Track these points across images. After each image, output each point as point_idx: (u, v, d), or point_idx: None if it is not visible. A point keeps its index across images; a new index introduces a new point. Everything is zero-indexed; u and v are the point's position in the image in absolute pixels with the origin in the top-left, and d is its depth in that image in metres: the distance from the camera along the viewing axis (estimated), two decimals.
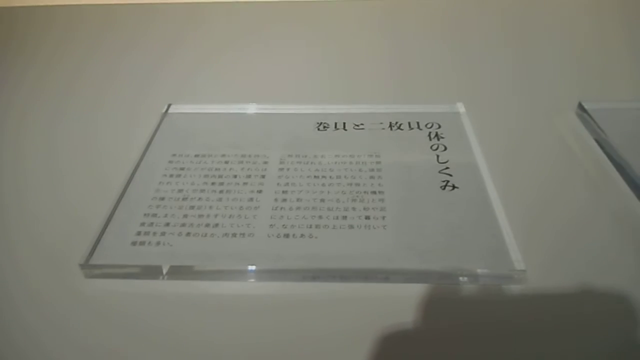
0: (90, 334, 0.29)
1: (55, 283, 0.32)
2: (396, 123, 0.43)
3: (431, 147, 0.40)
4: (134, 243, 0.33)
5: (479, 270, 0.30)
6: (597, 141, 0.41)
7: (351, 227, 0.33)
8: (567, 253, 0.32)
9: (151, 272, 0.31)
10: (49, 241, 0.34)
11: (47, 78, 0.54)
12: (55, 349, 0.28)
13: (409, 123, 0.43)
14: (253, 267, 0.31)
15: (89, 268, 0.31)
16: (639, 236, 0.33)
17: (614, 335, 0.28)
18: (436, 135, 0.41)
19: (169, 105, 0.46)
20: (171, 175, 0.38)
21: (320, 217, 0.34)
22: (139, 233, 0.33)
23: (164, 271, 0.31)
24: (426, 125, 0.42)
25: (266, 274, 0.31)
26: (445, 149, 0.40)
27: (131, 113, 0.47)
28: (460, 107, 0.44)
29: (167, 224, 0.34)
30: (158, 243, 0.33)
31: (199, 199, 0.36)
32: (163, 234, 0.33)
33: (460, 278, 0.31)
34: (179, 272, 0.31)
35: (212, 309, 0.30)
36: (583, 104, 0.44)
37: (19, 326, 0.29)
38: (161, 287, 0.31)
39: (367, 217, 0.34)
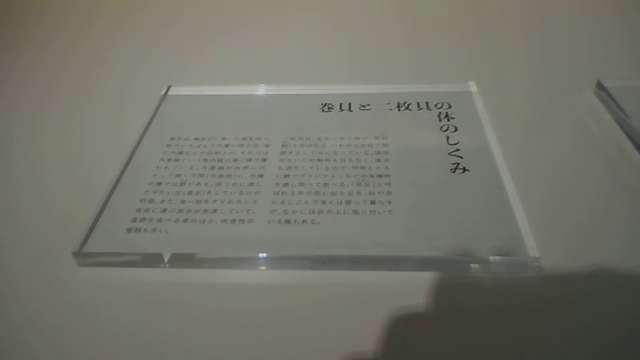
0: (83, 326, 0.27)
1: (48, 273, 0.30)
2: (404, 103, 0.41)
3: (441, 128, 0.38)
4: (129, 230, 0.32)
5: (490, 258, 0.29)
6: (616, 121, 0.39)
7: (356, 212, 0.32)
8: (584, 238, 0.30)
9: (151, 260, 0.30)
10: (41, 228, 0.33)
11: (42, 58, 0.52)
12: (46, 344, 0.27)
13: (418, 103, 0.41)
14: (256, 255, 0.30)
15: (83, 256, 0.30)
16: None
17: (634, 322, 0.26)
18: (446, 115, 0.39)
19: (168, 88, 0.45)
20: (169, 160, 0.37)
21: (323, 202, 0.32)
22: (134, 220, 0.32)
23: (165, 259, 0.30)
24: (436, 106, 0.40)
25: (270, 262, 0.30)
26: (456, 130, 0.38)
27: (129, 96, 0.46)
28: (472, 86, 0.42)
29: (164, 210, 0.33)
30: (154, 230, 0.31)
31: (198, 184, 0.34)
32: (159, 220, 0.32)
33: (472, 265, 0.29)
34: (179, 260, 0.30)
35: (215, 297, 0.29)
36: (602, 82, 0.42)
37: (9, 318, 0.28)
38: (162, 276, 0.30)
39: (373, 202, 0.32)
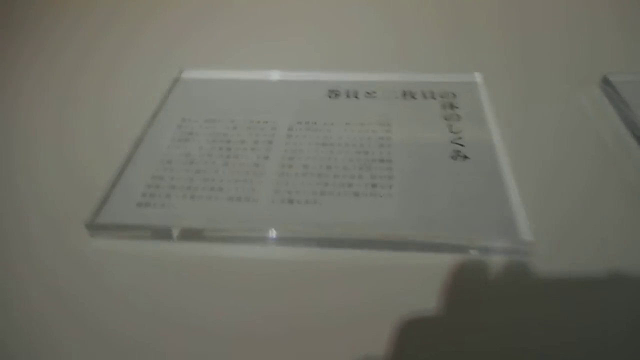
0: (93, 295, 0.29)
1: (60, 242, 0.32)
2: (410, 92, 0.42)
3: (444, 117, 0.39)
4: (139, 204, 0.33)
5: (486, 242, 0.30)
6: (620, 116, 0.40)
7: (357, 194, 0.33)
8: (579, 226, 0.31)
9: (160, 233, 0.31)
10: (55, 200, 0.35)
11: (66, 42, 0.54)
12: (58, 311, 0.28)
13: (423, 92, 0.41)
14: (260, 232, 0.31)
15: (95, 228, 0.32)
16: None
17: (627, 310, 0.27)
18: (450, 105, 0.40)
19: (181, 71, 0.46)
20: (179, 140, 0.38)
21: (326, 184, 0.33)
22: (144, 195, 0.34)
23: (174, 234, 0.31)
24: (440, 95, 0.41)
25: (275, 240, 0.31)
26: (459, 118, 0.38)
27: (144, 78, 0.47)
28: (478, 77, 0.43)
29: (173, 187, 0.34)
30: (163, 205, 0.33)
31: (205, 162, 0.36)
32: (168, 196, 0.33)
33: (471, 251, 0.30)
34: (189, 235, 0.31)
35: (219, 268, 0.30)
36: (608, 76, 0.42)
37: (22, 286, 0.30)
38: (170, 249, 0.31)
39: (374, 185, 0.33)
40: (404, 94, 0.42)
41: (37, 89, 0.47)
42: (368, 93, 0.42)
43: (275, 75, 0.45)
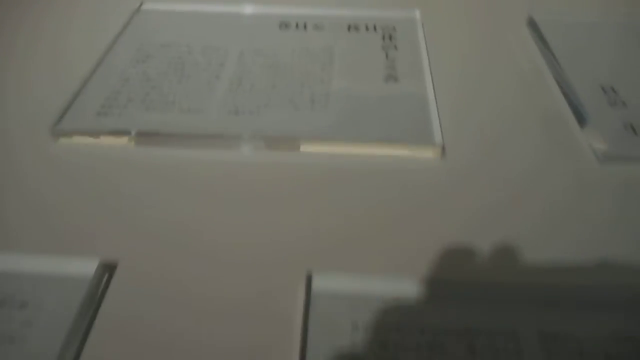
0: (57, 193, 0.32)
1: (26, 146, 0.35)
2: (354, 25, 0.45)
3: (382, 47, 0.43)
4: (98, 114, 0.36)
5: (406, 148, 0.34)
6: (541, 52, 0.44)
7: (297, 108, 0.37)
8: (491, 142, 0.36)
9: (117, 136, 0.35)
10: (22, 111, 0.38)
11: None
12: (21, 208, 0.32)
13: (366, 25, 0.45)
14: (206, 136, 0.35)
15: (57, 133, 0.35)
16: (561, 134, 0.36)
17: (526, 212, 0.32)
18: (390, 36, 0.44)
19: (141, 3, 0.48)
20: (137, 61, 0.41)
21: (269, 98, 0.37)
22: (103, 106, 0.37)
23: (129, 137, 0.35)
24: (382, 28, 0.45)
25: (218, 141, 0.35)
26: (396, 49, 0.42)
27: (106, 9, 0.49)
28: (417, 14, 0.46)
29: (130, 100, 0.37)
30: (120, 115, 0.36)
31: (161, 80, 0.39)
32: (125, 107, 0.37)
33: (391, 155, 0.34)
34: (143, 138, 0.35)
35: (172, 167, 0.34)
36: (533, 16, 0.46)
37: None
38: (126, 151, 0.35)
39: (313, 101, 0.37)
40: (349, 27, 0.45)
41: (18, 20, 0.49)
42: (316, 25, 0.45)
43: (231, 8, 0.48)
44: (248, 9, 0.48)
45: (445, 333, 0.24)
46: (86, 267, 0.27)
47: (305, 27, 0.45)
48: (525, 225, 0.30)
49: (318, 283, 0.26)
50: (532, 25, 0.46)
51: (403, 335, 0.24)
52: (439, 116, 0.36)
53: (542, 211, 0.31)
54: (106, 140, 0.35)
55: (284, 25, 0.45)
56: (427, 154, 0.34)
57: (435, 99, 0.37)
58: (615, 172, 0.33)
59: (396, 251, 0.29)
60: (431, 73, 0.40)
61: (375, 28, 0.45)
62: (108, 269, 0.28)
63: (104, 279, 0.27)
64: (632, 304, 0.25)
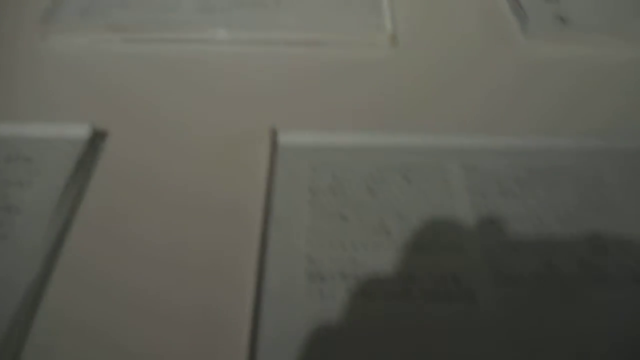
0: (52, 81, 0.36)
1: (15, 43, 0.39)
2: None
3: None
4: (82, 13, 0.40)
5: (357, 37, 0.38)
6: None
7: (265, 6, 0.41)
8: (438, 32, 0.40)
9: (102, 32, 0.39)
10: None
11: None
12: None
13: None
14: (184, 34, 0.38)
15: (46, 30, 0.39)
16: (499, 24, 0.41)
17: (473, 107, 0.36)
18: None
19: None
20: None
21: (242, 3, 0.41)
22: (86, 9, 0.40)
23: (109, 31, 0.38)
24: None
25: (195, 40, 0.39)
26: None
27: None
28: None
29: (109, 6, 0.41)
30: (103, 14, 0.40)
31: None
32: (109, 9, 0.40)
33: (342, 44, 0.38)
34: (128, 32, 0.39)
35: (148, 63, 0.38)
36: None
37: None
38: (113, 44, 0.39)
39: (278, 4, 0.41)
40: None
41: None
42: None
43: None
44: None
45: (386, 169, 0.29)
46: (81, 131, 0.31)
47: None
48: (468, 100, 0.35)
49: (283, 137, 0.31)
50: None
51: (353, 172, 0.29)
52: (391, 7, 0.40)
53: (481, 87, 0.36)
54: (92, 35, 0.39)
55: None
56: (381, 40, 0.38)
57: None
58: (540, 51, 0.38)
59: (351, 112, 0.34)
60: None
61: None
62: (100, 136, 0.32)
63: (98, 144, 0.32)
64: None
